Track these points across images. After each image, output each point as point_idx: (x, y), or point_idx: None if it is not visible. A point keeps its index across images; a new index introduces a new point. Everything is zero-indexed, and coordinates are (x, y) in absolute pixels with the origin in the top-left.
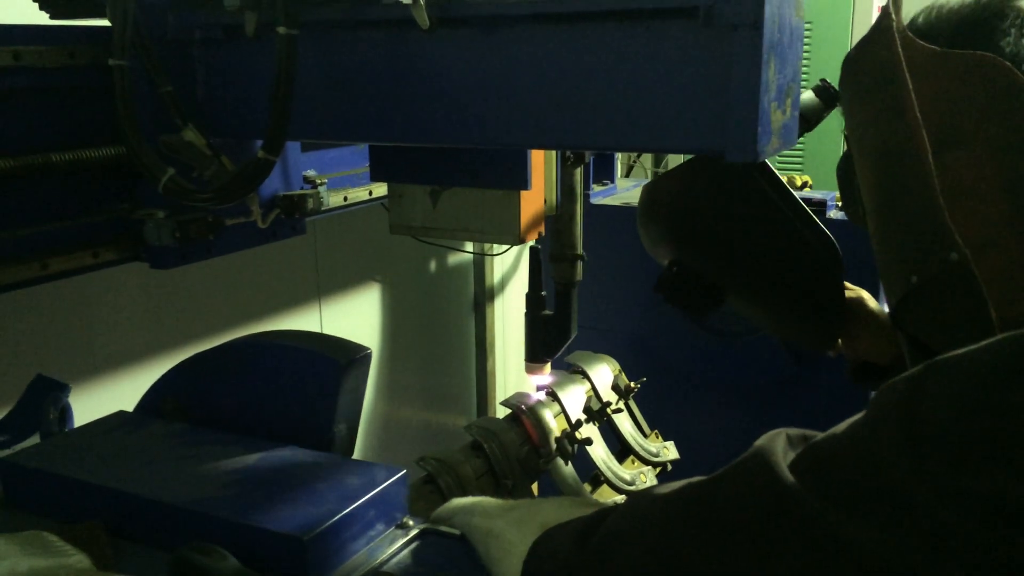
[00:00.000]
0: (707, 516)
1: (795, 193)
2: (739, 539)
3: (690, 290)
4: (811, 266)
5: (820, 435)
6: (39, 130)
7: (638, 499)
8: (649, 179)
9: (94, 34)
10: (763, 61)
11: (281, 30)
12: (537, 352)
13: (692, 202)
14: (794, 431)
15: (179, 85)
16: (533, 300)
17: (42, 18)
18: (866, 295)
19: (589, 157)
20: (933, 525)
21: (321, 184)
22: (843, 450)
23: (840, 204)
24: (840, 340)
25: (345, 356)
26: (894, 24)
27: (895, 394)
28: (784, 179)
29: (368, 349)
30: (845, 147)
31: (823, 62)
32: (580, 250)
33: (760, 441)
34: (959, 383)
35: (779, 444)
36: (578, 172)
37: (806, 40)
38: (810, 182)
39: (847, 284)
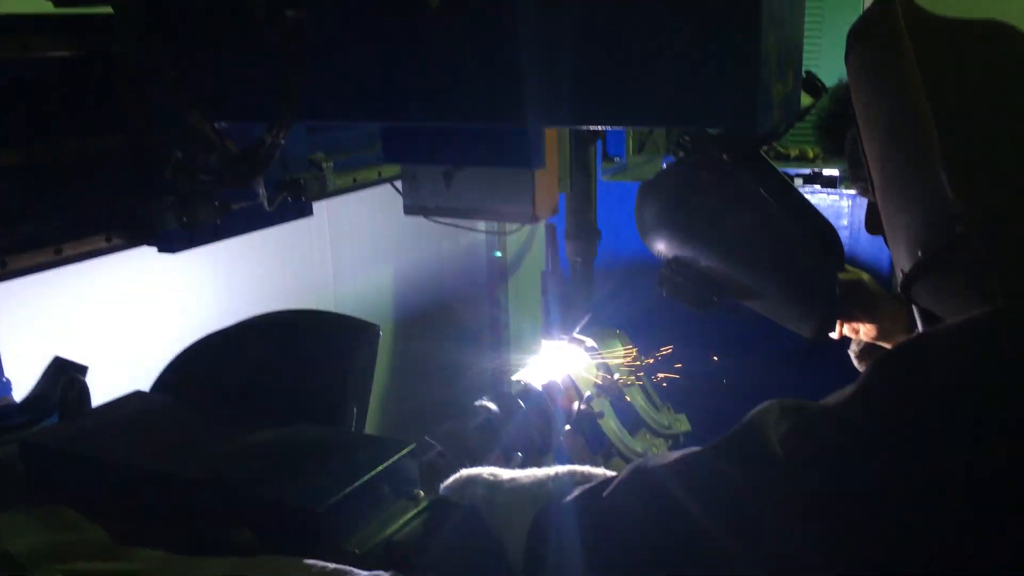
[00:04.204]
0: (700, 486)
1: (809, 168)
2: (729, 509)
3: (689, 286)
4: (801, 260)
5: (813, 406)
6: (48, 119)
7: (637, 469)
8: (662, 155)
9: (99, 22)
10: (762, 31)
11: (289, 13)
12: (554, 328)
13: (684, 202)
14: (789, 402)
15: (183, 70)
16: (550, 277)
17: (47, 7)
18: (866, 277)
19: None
20: (903, 501)
21: (327, 166)
22: (830, 426)
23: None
24: (842, 325)
25: (354, 333)
26: None
27: (883, 370)
28: (795, 152)
29: (377, 326)
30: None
31: (835, 30)
32: (596, 226)
33: (753, 413)
34: (941, 362)
35: (771, 416)
36: (592, 149)
37: (817, 8)
38: (822, 155)
39: (847, 267)
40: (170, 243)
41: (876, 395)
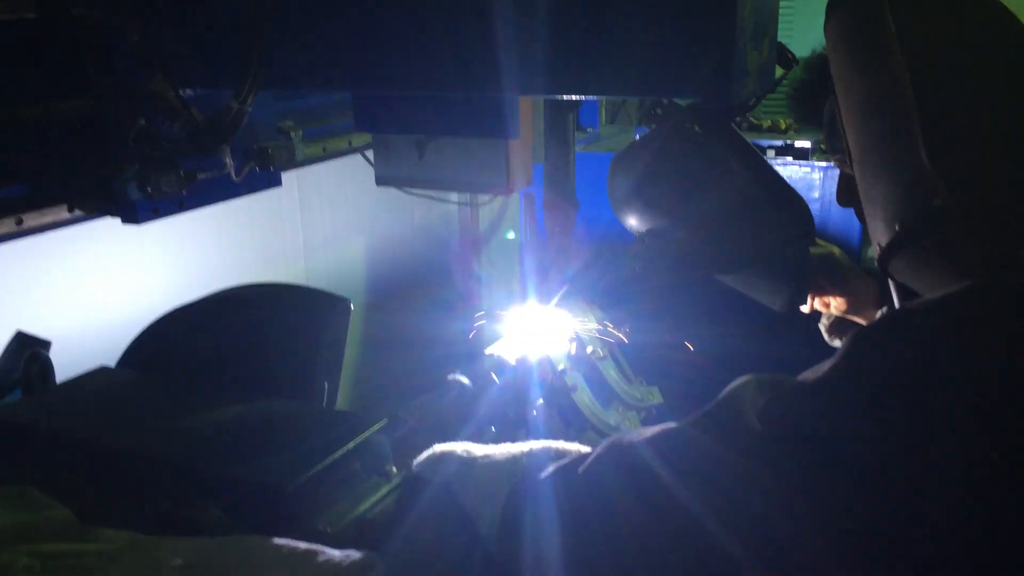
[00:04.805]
0: (679, 460)
1: (781, 140)
2: (708, 483)
3: (662, 259)
4: (771, 233)
5: (790, 381)
6: (7, 84)
7: (615, 444)
8: (635, 125)
9: None
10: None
11: None
12: (530, 299)
13: (655, 174)
14: (765, 377)
15: (146, 34)
16: (528, 247)
17: None
18: (837, 251)
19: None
20: (880, 477)
21: (296, 135)
22: (808, 402)
23: (823, 149)
24: (812, 298)
25: (326, 307)
26: None
27: (860, 346)
28: (767, 123)
29: (348, 300)
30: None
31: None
32: (575, 197)
33: (729, 388)
34: (919, 338)
35: (748, 391)
36: (571, 118)
37: None
38: (795, 126)
39: (818, 241)
40: (134, 214)
41: (853, 371)
